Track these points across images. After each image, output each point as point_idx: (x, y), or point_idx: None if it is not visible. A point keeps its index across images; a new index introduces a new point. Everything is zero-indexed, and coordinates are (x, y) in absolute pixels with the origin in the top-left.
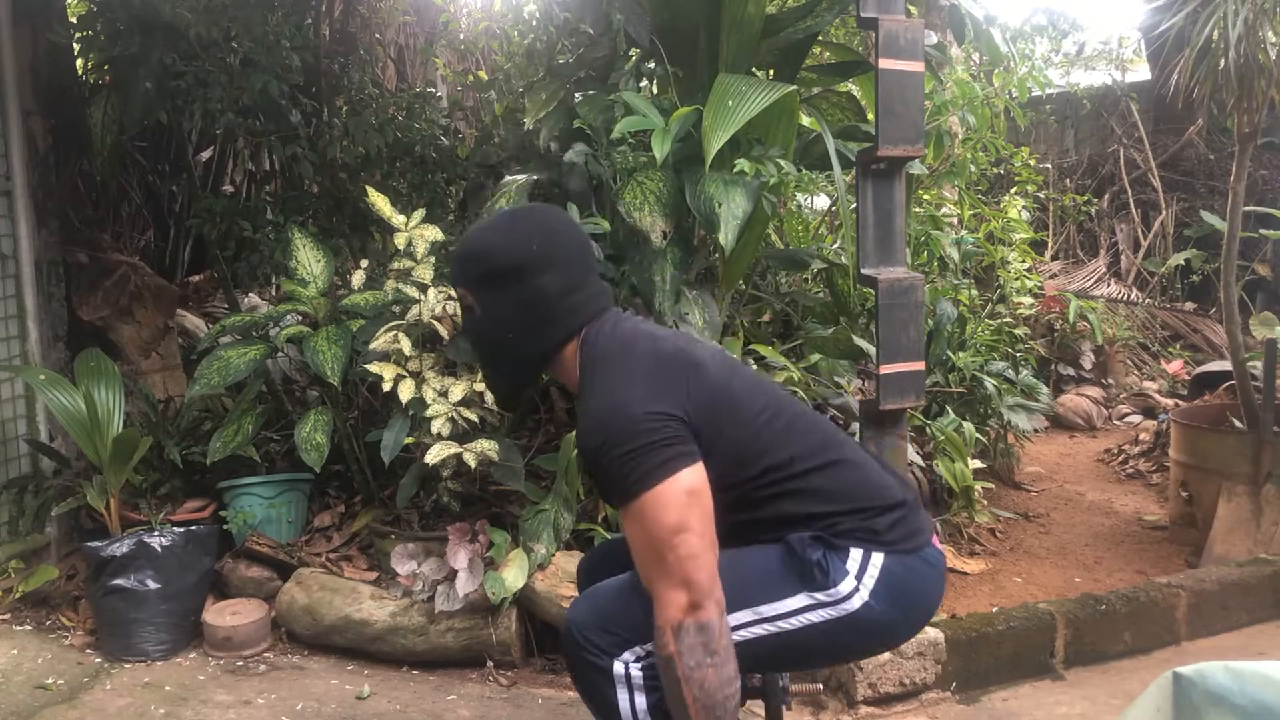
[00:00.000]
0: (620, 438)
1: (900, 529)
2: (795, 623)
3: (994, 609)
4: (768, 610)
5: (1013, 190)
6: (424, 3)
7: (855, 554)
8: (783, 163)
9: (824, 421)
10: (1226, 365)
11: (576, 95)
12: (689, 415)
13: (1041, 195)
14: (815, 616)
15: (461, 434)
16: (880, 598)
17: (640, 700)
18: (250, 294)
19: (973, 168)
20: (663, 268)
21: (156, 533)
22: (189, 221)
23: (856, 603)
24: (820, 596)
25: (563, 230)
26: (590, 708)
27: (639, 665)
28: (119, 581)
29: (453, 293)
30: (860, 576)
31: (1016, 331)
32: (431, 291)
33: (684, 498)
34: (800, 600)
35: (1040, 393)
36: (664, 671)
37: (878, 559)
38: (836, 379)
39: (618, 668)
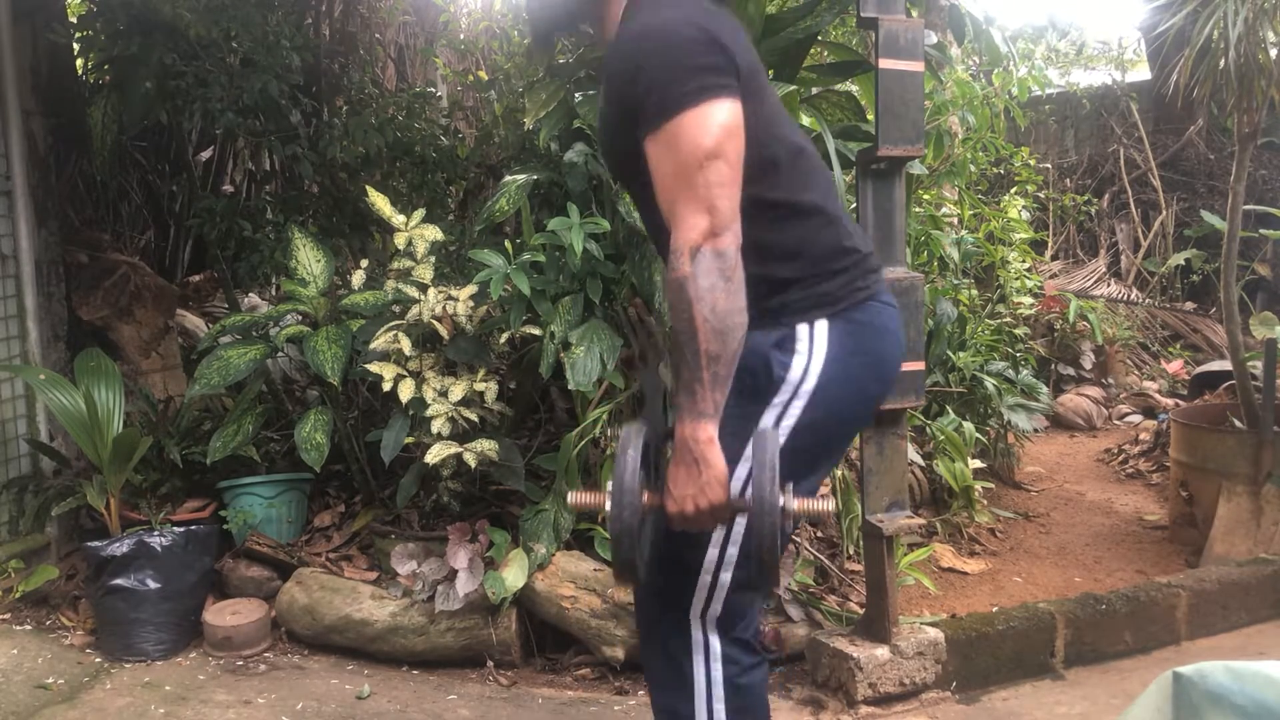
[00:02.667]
0: (663, 53)
1: (850, 285)
2: (780, 437)
3: (994, 609)
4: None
5: (1013, 190)
6: (424, 3)
7: (800, 332)
8: None
9: (812, 149)
10: (1226, 365)
11: (576, 95)
12: (736, 58)
13: (1041, 195)
14: (789, 419)
15: (461, 434)
16: (836, 362)
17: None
18: (250, 294)
19: (973, 168)
20: (663, 268)
21: (156, 533)
22: (189, 221)
23: (812, 380)
24: (780, 399)
25: None
26: (659, 689)
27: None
28: (119, 581)
29: (452, 292)
30: (810, 354)
31: (1016, 331)
32: (431, 291)
33: (723, 127)
34: (769, 416)
35: (1040, 392)
36: (675, 294)
37: (821, 327)
38: None
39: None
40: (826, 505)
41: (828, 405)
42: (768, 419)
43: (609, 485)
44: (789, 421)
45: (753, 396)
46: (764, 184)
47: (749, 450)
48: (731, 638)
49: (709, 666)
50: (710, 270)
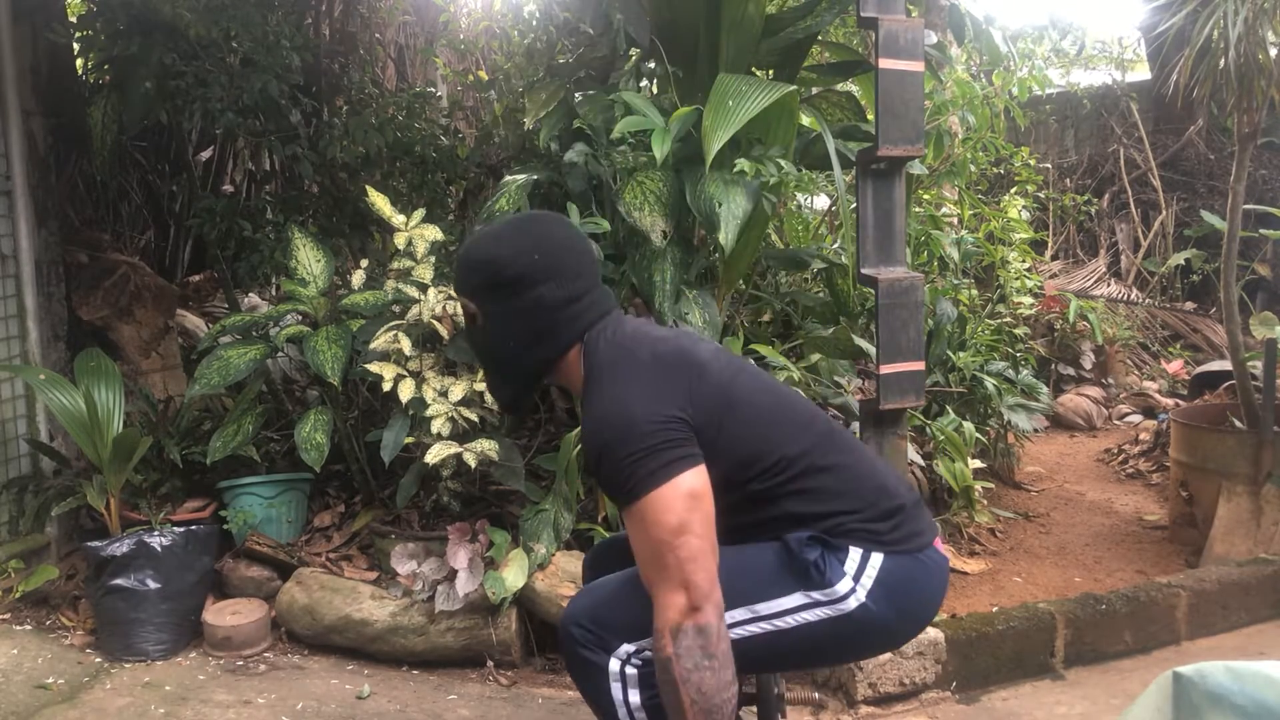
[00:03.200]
0: (622, 441)
1: (901, 530)
2: (791, 621)
3: (994, 609)
4: (764, 609)
5: (1013, 190)
6: (424, 3)
7: (854, 554)
8: (783, 163)
9: (828, 420)
10: (1226, 365)
11: (576, 95)
12: (691, 416)
13: (1041, 195)
14: (812, 616)
15: (461, 434)
16: (878, 598)
17: (634, 696)
18: (250, 294)
19: (973, 167)
20: (663, 268)
21: (156, 532)
22: (189, 221)
23: (853, 603)
24: (817, 595)
25: (565, 239)
26: (586, 700)
27: (635, 660)
28: (119, 581)
29: (452, 292)
30: (858, 577)
31: (1016, 331)
32: (431, 291)
33: (685, 500)
34: (797, 599)
35: (1040, 392)
36: (661, 673)
37: (876, 559)
38: (836, 379)
39: (613, 664)
40: (813, 695)
41: (852, 631)
42: (794, 600)
43: None
44: (807, 616)
45: (788, 569)
46: (768, 458)
47: (757, 606)
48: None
49: (625, 692)
50: (692, 649)
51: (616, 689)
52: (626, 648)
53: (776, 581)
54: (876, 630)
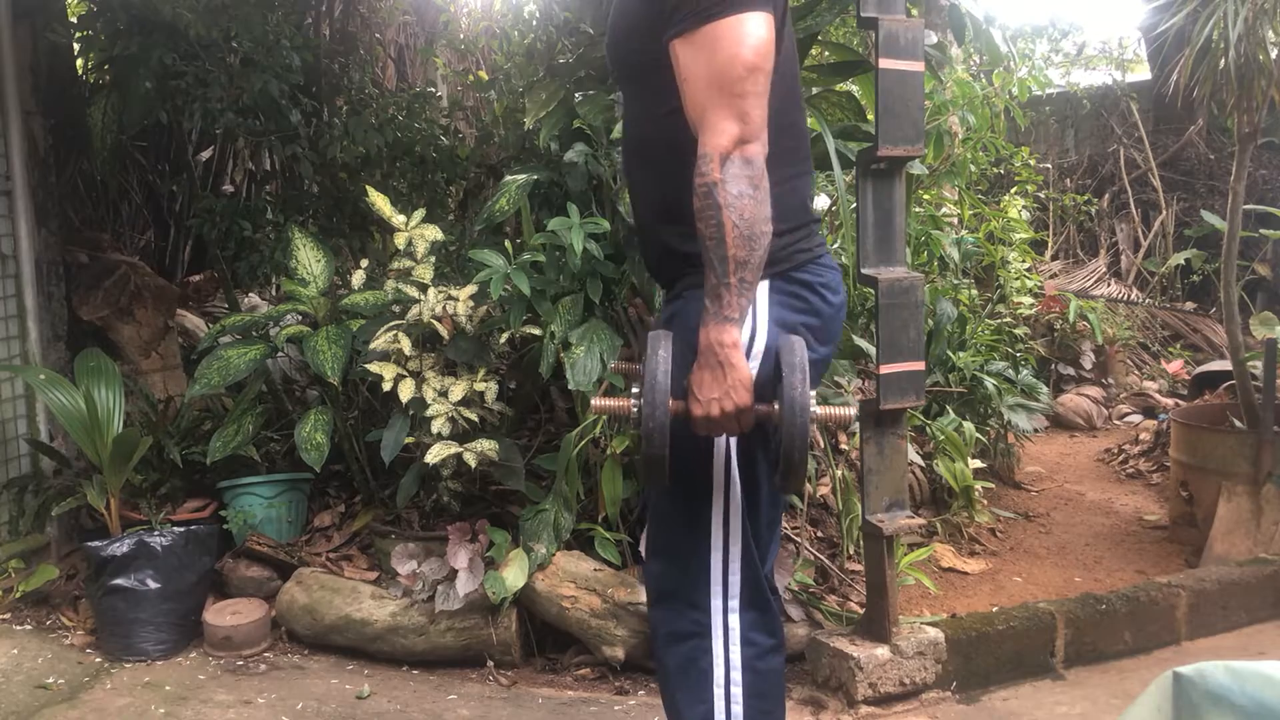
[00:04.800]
0: None
1: (787, 246)
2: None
3: (994, 609)
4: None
5: (1013, 190)
6: (424, 3)
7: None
8: None
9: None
10: (1226, 365)
11: (576, 95)
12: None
13: (1041, 195)
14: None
15: (461, 434)
16: (782, 324)
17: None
18: (250, 294)
19: (973, 168)
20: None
21: (156, 532)
22: (189, 221)
23: (760, 343)
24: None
25: None
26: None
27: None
28: (119, 581)
29: (452, 292)
30: (754, 318)
31: (1016, 331)
32: (431, 291)
33: (762, 40)
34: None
35: (1040, 392)
36: (703, 200)
37: (762, 290)
38: (836, 379)
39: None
40: (849, 411)
41: (771, 367)
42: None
43: (633, 390)
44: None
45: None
46: (787, 122)
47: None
48: (750, 606)
49: (727, 651)
50: (739, 177)
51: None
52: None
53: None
54: (808, 337)
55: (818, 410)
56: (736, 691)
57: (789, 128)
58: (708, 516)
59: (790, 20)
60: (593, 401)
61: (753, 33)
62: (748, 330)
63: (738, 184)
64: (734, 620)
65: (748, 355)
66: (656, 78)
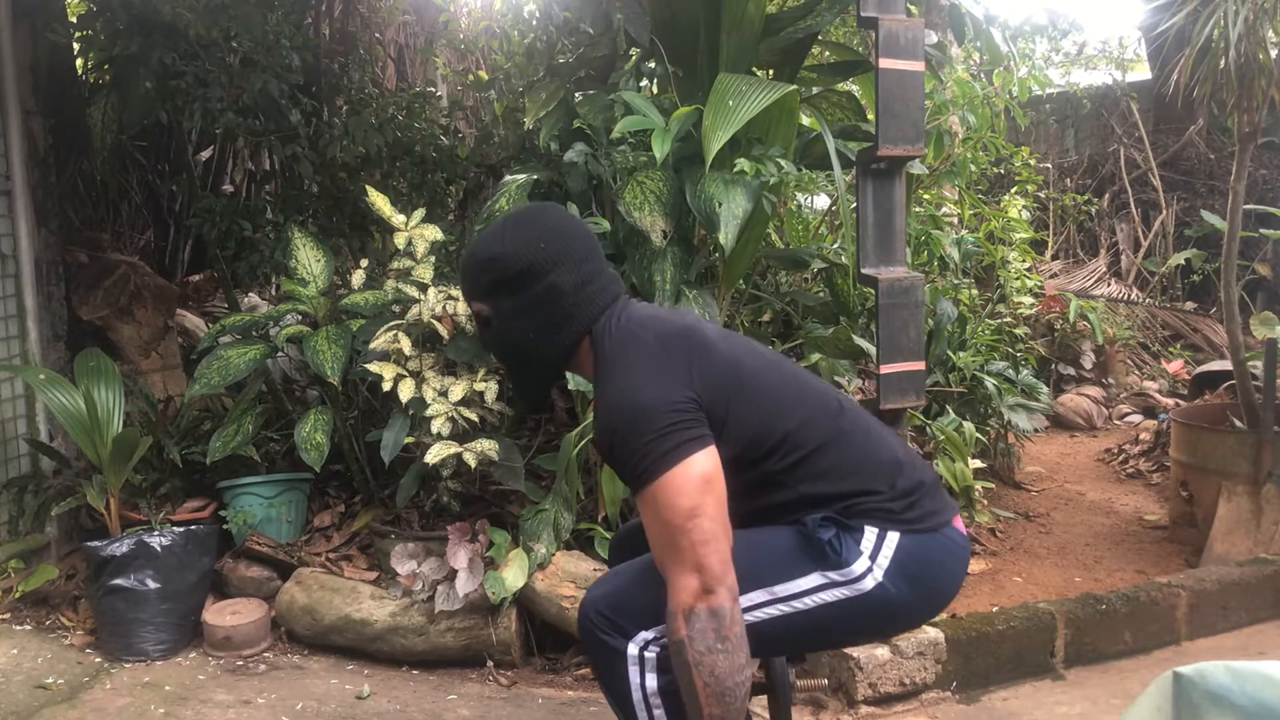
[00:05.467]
0: (632, 426)
1: (918, 508)
2: (809, 602)
3: (994, 609)
4: (781, 590)
5: (1013, 190)
6: (424, 2)
7: (870, 533)
8: (783, 162)
9: (840, 396)
10: (1227, 365)
11: (576, 95)
12: (700, 395)
13: (1041, 195)
14: (829, 596)
15: (461, 434)
16: (895, 577)
17: (651, 680)
18: (250, 294)
19: (973, 167)
20: (663, 267)
21: (156, 532)
22: (189, 221)
23: (870, 582)
24: (834, 575)
25: (566, 225)
26: (602, 688)
27: (653, 646)
28: (119, 581)
29: (452, 291)
30: (875, 556)
31: (1017, 331)
32: (431, 291)
33: (697, 482)
34: (814, 579)
35: (1040, 392)
36: (674, 657)
37: (893, 538)
38: (837, 379)
39: (631, 648)
40: (822, 681)
41: (870, 611)
42: (811, 580)
43: None
44: (825, 597)
45: (805, 550)
46: (780, 436)
47: (775, 587)
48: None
49: (644, 679)
50: (705, 632)
51: (634, 674)
52: (645, 634)
53: (793, 562)
54: (895, 609)
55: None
56: (659, 714)
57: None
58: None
59: (746, 365)
60: None
61: (687, 482)
62: (863, 565)
63: (703, 640)
64: (650, 652)
65: (847, 581)
66: None
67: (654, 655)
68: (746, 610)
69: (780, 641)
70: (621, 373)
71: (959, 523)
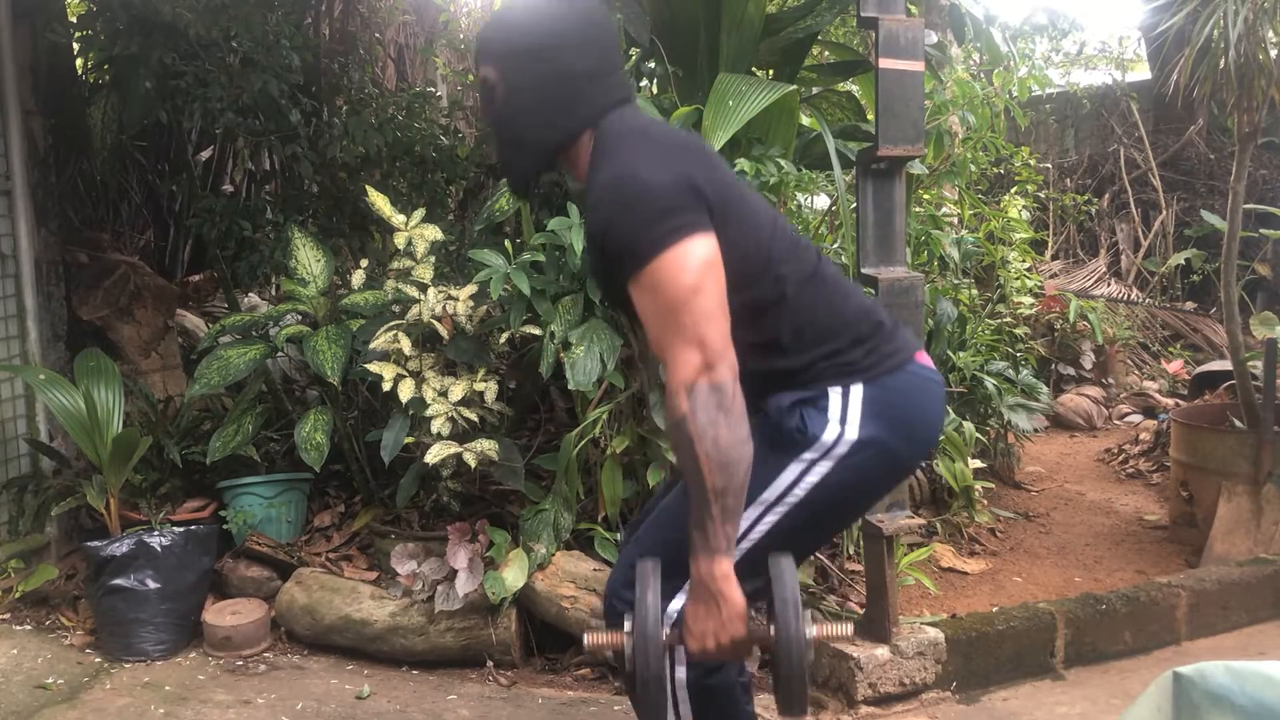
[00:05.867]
0: (633, 203)
1: (875, 353)
2: (800, 492)
3: (994, 609)
4: (770, 495)
5: (1013, 190)
6: (424, 2)
7: (834, 396)
8: (783, 162)
9: (813, 248)
10: (1227, 365)
11: None
12: (703, 191)
13: (1041, 195)
14: (814, 476)
15: (461, 434)
16: (868, 428)
17: (680, 672)
18: (250, 294)
19: (973, 167)
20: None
21: (156, 532)
22: (189, 221)
23: (844, 446)
24: (809, 455)
25: (596, 15)
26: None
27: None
28: (119, 581)
29: (452, 292)
30: (843, 419)
31: (1016, 331)
32: (431, 291)
33: (699, 262)
34: (794, 469)
35: (1040, 392)
36: (675, 433)
37: (856, 392)
38: None
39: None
40: (845, 629)
41: (860, 470)
42: (792, 471)
43: (626, 624)
44: (810, 479)
45: (777, 446)
46: (758, 288)
47: (763, 495)
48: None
49: (672, 671)
50: (708, 405)
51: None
52: (673, 605)
53: (770, 465)
54: (881, 458)
55: (813, 633)
56: (685, 710)
57: (775, 251)
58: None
59: (738, 193)
60: (585, 639)
61: (691, 260)
62: (834, 430)
63: (706, 412)
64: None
65: (825, 454)
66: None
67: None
68: (751, 528)
69: (793, 538)
70: (623, 156)
71: (924, 357)
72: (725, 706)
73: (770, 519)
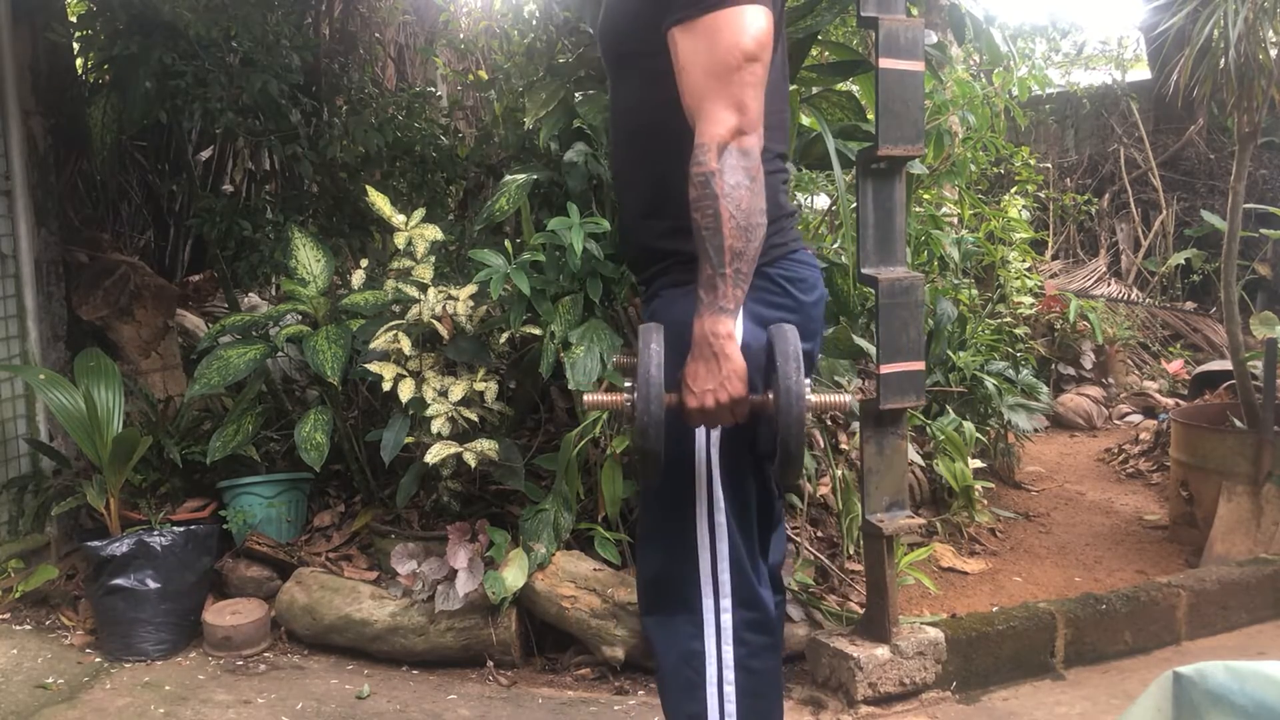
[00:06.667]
0: None
1: (768, 240)
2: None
3: (994, 609)
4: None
5: (1013, 190)
6: (424, 2)
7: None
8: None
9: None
10: (1227, 365)
11: (577, 95)
12: None
13: (1041, 195)
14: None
15: (461, 434)
16: (758, 319)
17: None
18: (250, 294)
19: (973, 167)
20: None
21: (156, 532)
22: (189, 221)
23: (737, 337)
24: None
25: None
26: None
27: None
28: (119, 581)
29: (452, 291)
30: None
31: (1017, 331)
32: (431, 291)
33: (763, 32)
34: None
35: (1040, 392)
36: (699, 190)
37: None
38: (836, 378)
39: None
40: (845, 398)
41: (753, 361)
42: None
43: (626, 383)
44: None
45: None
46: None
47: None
48: (743, 605)
49: (720, 650)
50: (736, 168)
51: (710, 641)
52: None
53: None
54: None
55: (813, 398)
56: (730, 690)
57: (770, 119)
58: (693, 516)
59: (783, 12)
60: (585, 397)
61: (753, 24)
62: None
63: (735, 174)
64: (726, 619)
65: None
66: (654, 65)
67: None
68: (707, 452)
69: (746, 447)
70: None
71: (799, 238)
72: (770, 691)
73: (715, 435)
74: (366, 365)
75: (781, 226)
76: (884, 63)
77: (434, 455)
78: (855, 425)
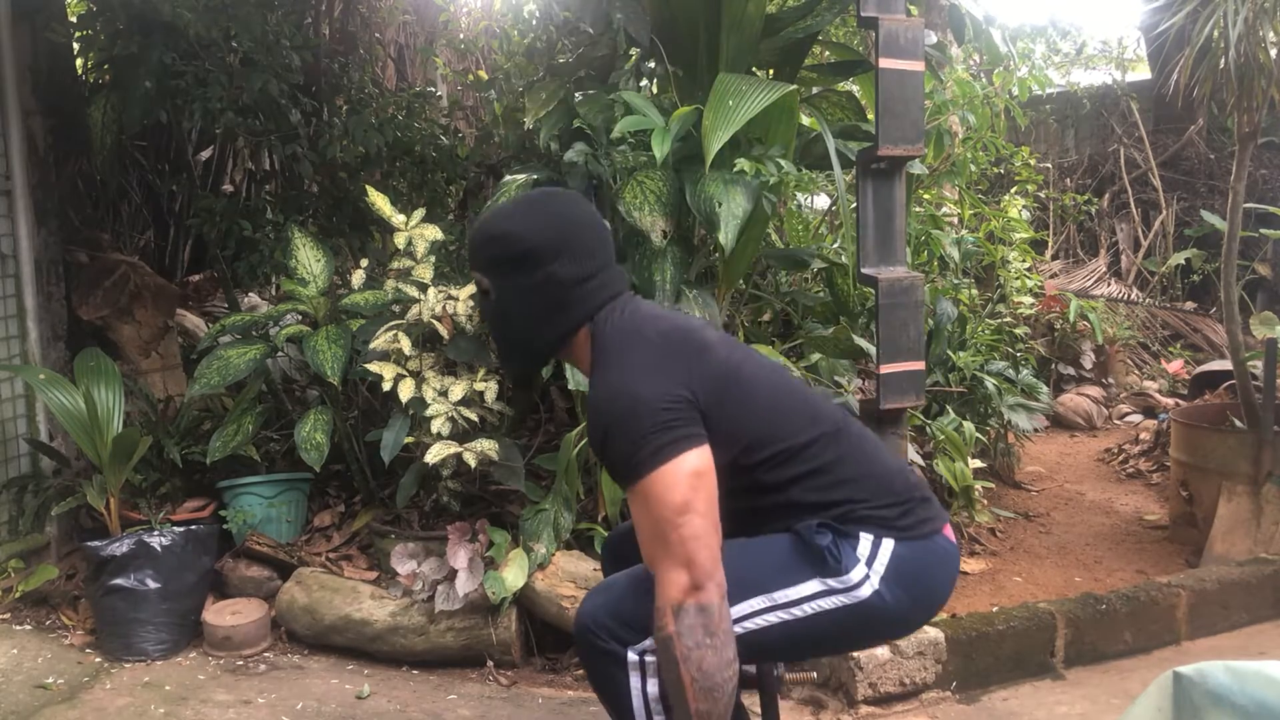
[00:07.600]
0: (626, 421)
1: (912, 515)
2: (808, 609)
3: (994, 608)
4: (781, 596)
5: (1013, 190)
6: (424, 2)
7: (865, 540)
8: (783, 162)
9: (835, 407)
10: (1227, 365)
11: (576, 95)
12: (695, 395)
13: (1042, 195)
14: (827, 603)
15: (461, 434)
16: (890, 585)
17: (653, 687)
18: (250, 294)
19: (973, 167)
20: (663, 267)
21: (156, 532)
22: (189, 221)
23: (867, 590)
24: (832, 583)
25: (579, 216)
26: (602, 698)
27: (652, 654)
28: (119, 581)
29: (452, 291)
30: (871, 563)
31: (1017, 331)
32: (431, 291)
33: (689, 479)
34: (813, 586)
35: (1040, 392)
36: (662, 652)
37: (888, 545)
38: (836, 379)
39: (632, 655)
40: (810, 674)
41: (866, 618)
42: (810, 587)
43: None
44: (823, 604)
45: (804, 556)
46: (775, 443)
47: (775, 594)
48: None
49: (644, 685)
50: (694, 628)
51: (635, 680)
52: (646, 642)
53: (792, 568)
54: (890, 617)
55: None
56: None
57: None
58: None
59: (745, 372)
60: None
61: (680, 477)
62: (860, 573)
63: (693, 635)
64: (651, 658)
65: (845, 588)
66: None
67: (653, 661)
68: (747, 617)
69: (778, 648)
70: (619, 366)
71: (949, 531)
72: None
73: (772, 618)
74: (366, 365)
75: (909, 500)
76: (884, 63)
77: (434, 455)
78: None
